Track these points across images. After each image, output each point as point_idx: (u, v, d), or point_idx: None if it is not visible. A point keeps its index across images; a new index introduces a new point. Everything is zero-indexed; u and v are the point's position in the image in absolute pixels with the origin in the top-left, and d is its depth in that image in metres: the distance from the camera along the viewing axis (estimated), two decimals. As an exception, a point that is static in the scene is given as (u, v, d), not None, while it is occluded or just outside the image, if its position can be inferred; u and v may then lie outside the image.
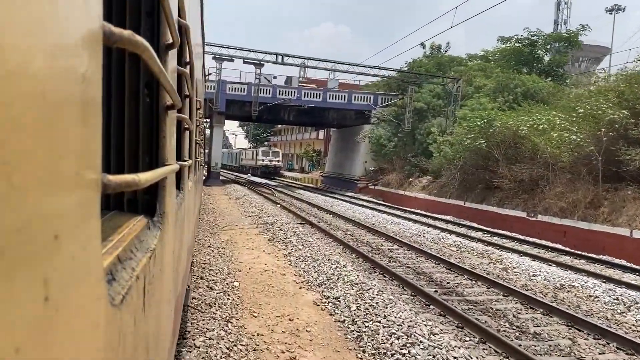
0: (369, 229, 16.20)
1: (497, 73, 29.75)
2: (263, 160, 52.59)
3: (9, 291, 0.43)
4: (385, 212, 22.49)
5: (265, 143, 77.20)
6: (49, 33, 0.50)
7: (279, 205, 21.61)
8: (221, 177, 38.83)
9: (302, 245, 11.88)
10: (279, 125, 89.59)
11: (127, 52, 1.47)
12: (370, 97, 38.40)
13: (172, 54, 1.80)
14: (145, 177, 1.00)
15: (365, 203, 27.08)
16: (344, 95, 38.31)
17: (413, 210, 24.85)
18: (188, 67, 2.83)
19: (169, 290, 1.91)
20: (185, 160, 2.90)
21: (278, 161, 54.27)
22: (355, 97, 38.39)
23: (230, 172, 63.49)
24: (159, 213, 1.60)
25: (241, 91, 35.93)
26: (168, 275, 1.83)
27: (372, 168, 36.08)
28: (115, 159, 1.56)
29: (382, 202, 28.59)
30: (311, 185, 44.95)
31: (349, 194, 33.49)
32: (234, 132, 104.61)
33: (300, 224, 16.21)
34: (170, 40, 1.64)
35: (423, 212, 23.60)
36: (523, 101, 25.51)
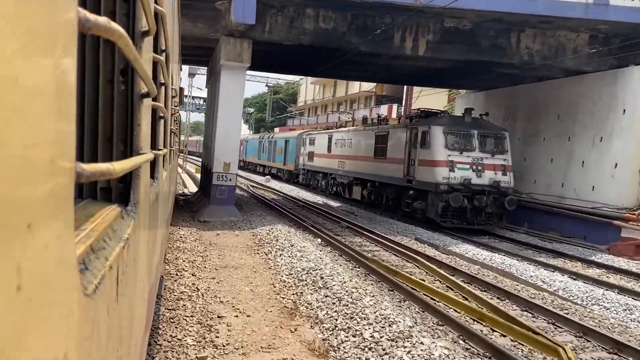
0: None
1: None
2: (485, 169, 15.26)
3: None
4: None
5: (276, 129, 40.52)
6: (23, 18, 0.49)
7: None
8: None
9: None
10: (302, 99, 48.24)
11: (101, 39, 1.44)
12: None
13: (148, 41, 1.77)
14: (121, 167, 0.99)
15: None
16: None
17: None
18: (164, 54, 2.80)
19: (142, 279, 1.90)
20: (160, 149, 2.87)
21: (504, 169, 15.53)
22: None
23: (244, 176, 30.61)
24: (133, 202, 1.58)
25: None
26: (142, 265, 1.82)
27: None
28: (89, 146, 1.54)
29: None
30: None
31: (609, 262, 11.89)
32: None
33: None
34: (146, 28, 1.61)
35: None
36: None
